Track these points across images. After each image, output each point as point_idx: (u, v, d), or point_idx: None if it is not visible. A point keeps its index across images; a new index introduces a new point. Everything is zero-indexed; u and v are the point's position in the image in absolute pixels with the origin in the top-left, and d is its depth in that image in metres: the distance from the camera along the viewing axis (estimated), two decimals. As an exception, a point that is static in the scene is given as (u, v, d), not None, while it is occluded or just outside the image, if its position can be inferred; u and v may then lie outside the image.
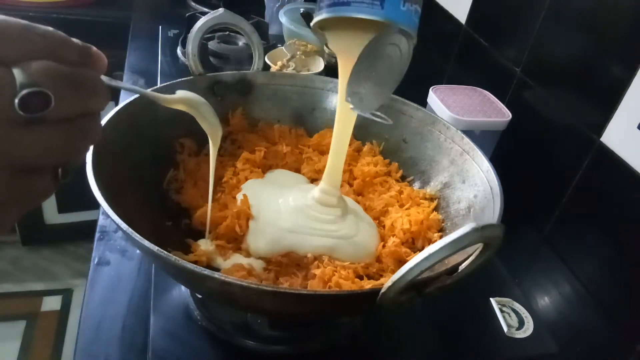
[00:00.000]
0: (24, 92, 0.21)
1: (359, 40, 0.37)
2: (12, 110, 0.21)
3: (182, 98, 0.38)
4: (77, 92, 0.23)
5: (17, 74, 0.21)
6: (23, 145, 0.22)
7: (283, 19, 1.04)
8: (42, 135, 0.22)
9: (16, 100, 0.21)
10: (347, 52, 0.40)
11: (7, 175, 0.22)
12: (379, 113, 0.43)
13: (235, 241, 0.53)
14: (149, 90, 0.35)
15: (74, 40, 0.24)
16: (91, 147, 0.41)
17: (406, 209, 0.57)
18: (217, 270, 0.49)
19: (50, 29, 0.23)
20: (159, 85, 0.59)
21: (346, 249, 0.51)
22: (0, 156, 0.21)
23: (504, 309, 0.59)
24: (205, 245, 0.51)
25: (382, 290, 0.34)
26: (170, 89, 0.58)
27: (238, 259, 0.50)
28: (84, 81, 0.24)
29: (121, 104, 0.51)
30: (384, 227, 0.57)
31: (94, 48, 0.25)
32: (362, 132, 0.66)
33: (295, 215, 0.53)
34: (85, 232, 0.98)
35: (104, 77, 0.26)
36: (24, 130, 0.22)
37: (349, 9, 0.34)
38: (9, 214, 0.23)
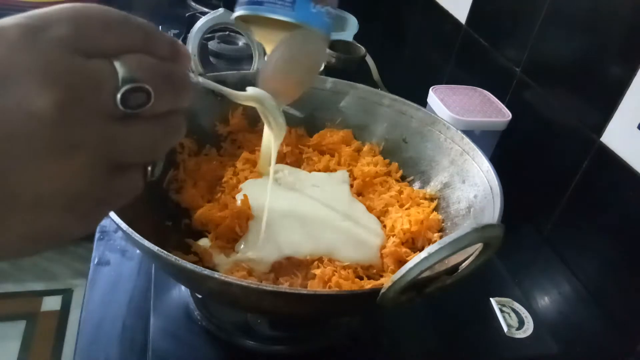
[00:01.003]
0: (127, 87, 0.21)
1: (278, 32, 0.39)
2: (113, 105, 0.21)
3: (254, 95, 0.40)
4: (172, 88, 0.23)
5: (119, 67, 0.21)
6: (121, 142, 0.21)
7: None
8: (138, 131, 0.22)
9: (118, 95, 0.20)
10: (269, 43, 0.42)
11: (105, 172, 0.21)
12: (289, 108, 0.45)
13: (235, 241, 0.53)
14: (226, 88, 0.36)
15: (165, 34, 0.24)
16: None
17: (406, 209, 0.57)
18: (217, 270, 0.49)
19: (145, 21, 0.23)
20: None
21: (348, 250, 0.51)
22: (99, 152, 0.21)
23: (504, 309, 0.59)
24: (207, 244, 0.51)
25: (382, 290, 0.34)
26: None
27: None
28: (177, 78, 0.23)
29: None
30: (384, 227, 0.57)
31: (180, 42, 0.25)
32: (362, 132, 0.66)
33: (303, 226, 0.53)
34: (85, 232, 0.98)
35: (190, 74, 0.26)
36: (121, 125, 0.21)
37: (262, 8, 0.36)
38: (101, 212, 0.23)
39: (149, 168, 0.25)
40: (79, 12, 0.20)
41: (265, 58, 0.42)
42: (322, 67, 0.42)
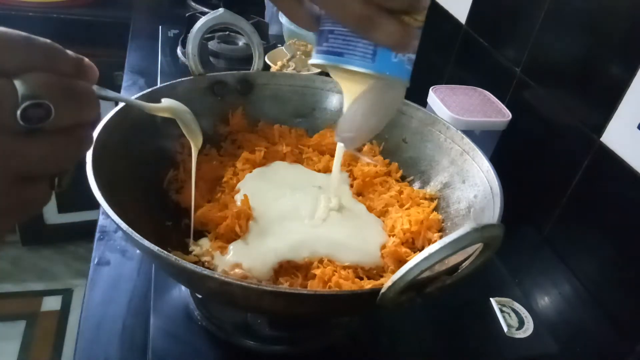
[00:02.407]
0: (26, 103, 0.22)
1: (358, 77, 0.38)
2: (13, 120, 0.22)
3: (167, 107, 0.40)
4: (74, 103, 0.24)
5: (19, 85, 0.22)
6: (23, 155, 0.22)
7: (283, 19, 1.04)
8: (41, 145, 0.23)
9: (18, 112, 0.22)
10: (345, 83, 0.42)
11: (8, 184, 0.22)
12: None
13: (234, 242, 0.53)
14: (134, 99, 0.37)
15: (69, 52, 0.25)
16: (90, 149, 0.41)
17: (406, 209, 0.57)
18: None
19: (48, 40, 0.24)
20: (159, 85, 0.59)
21: (348, 253, 0.51)
22: (1, 165, 0.22)
23: (504, 309, 0.59)
24: (205, 245, 0.51)
25: (382, 290, 0.34)
26: (173, 88, 0.58)
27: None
28: (80, 93, 0.25)
29: (121, 105, 0.51)
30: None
31: (87, 59, 0.26)
32: (362, 132, 0.66)
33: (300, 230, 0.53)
34: (85, 232, 0.98)
35: (95, 87, 0.27)
36: (24, 140, 0.22)
37: (341, 59, 0.36)
38: (6, 222, 0.24)
39: (56, 179, 0.25)
40: None
41: (345, 109, 0.42)
42: (397, 110, 0.43)
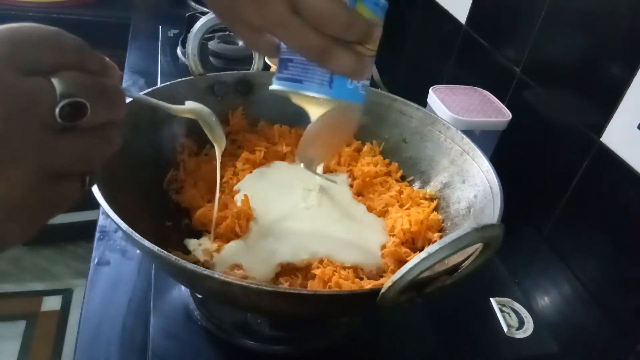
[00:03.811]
0: (65, 101, 0.22)
1: (316, 101, 0.41)
2: (52, 118, 0.22)
3: (191, 109, 0.41)
4: (107, 102, 0.25)
5: (57, 83, 0.22)
6: (59, 152, 0.23)
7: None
8: (75, 143, 0.24)
9: (57, 110, 0.22)
10: (306, 105, 0.44)
11: (44, 181, 0.23)
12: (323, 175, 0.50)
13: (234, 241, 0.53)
14: (158, 100, 0.38)
15: (95, 52, 0.26)
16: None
17: (406, 209, 0.57)
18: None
19: (78, 38, 0.25)
20: (159, 85, 0.59)
21: (349, 254, 0.51)
22: (39, 162, 0.22)
23: (504, 309, 0.59)
24: (204, 244, 0.51)
25: (382, 290, 0.34)
26: (173, 88, 0.58)
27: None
28: (112, 92, 0.25)
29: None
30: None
31: (109, 60, 0.27)
32: (362, 132, 0.66)
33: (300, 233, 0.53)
34: (85, 232, 0.98)
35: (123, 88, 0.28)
36: (60, 137, 0.23)
37: (300, 86, 0.38)
38: (39, 219, 0.24)
39: (87, 178, 0.26)
40: (16, 32, 0.22)
41: (306, 130, 0.45)
42: (354, 130, 0.46)
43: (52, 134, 0.23)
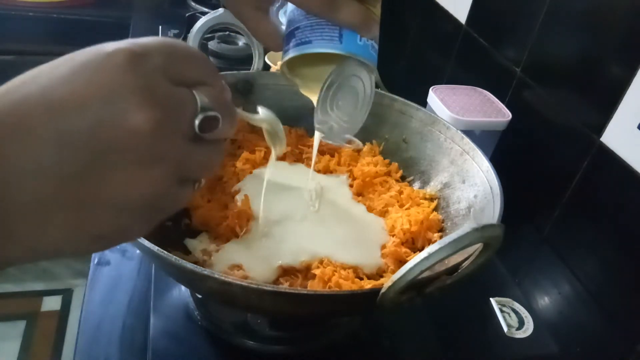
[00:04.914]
0: (204, 114, 0.25)
1: (324, 76, 0.41)
2: (191, 128, 0.24)
3: (265, 119, 0.43)
4: (232, 119, 0.27)
5: (198, 97, 0.24)
6: (192, 159, 0.25)
7: (283, 19, 1.04)
8: (203, 152, 0.26)
9: (197, 121, 0.24)
10: (315, 90, 0.44)
11: (175, 183, 0.25)
12: (350, 137, 0.48)
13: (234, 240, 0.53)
14: (245, 112, 0.39)
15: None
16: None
17: (406, 209, 0.57)
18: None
19: (208, 57, 0.27)
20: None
21: (349, 253, 0.51)
22: (175, 166, 0.24)
23: (504, 309, 0.59)
24: (202, 243, 0.51)
25: (382, 290, 0.34)
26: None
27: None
28: (233, 109, 0.28)
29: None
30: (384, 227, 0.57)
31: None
32: (362, 132, 0.66)
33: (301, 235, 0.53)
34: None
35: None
36: (193, 146, 0.25)
37: (310, 46, 0.38)
38: (157, 218, 0.26)
39: (197, 183, 0.28)
40: (170, 46, 0.24)
41: (315, 99, 0.44)
42: (371, 100, 0.45)
43: (189, 141, 0.24)
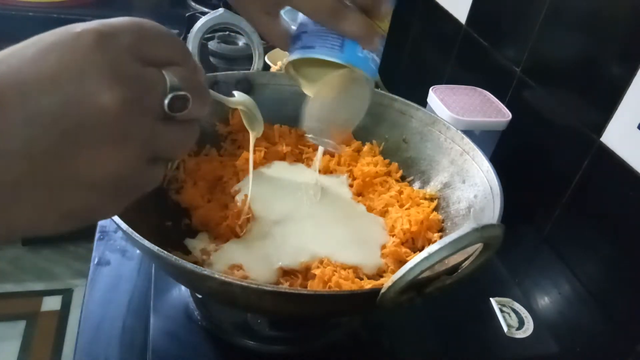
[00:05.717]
0: (174, 94, 0.25)
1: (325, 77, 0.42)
2: (160, 107, 0.25)
3: (242, 101, 0.44)
4: (202, 98, 0.27)
5: (167, 76, 0.25)
6: (162, 138, 0.25)
7: (286, 17, 1.04)
8: (174, 132, 0.26)
9: (166, 101, 0.24)
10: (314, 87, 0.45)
11: (144, 163, 0.25)
12: (334, 143, 0.50)
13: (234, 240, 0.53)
14: (220, 95, 0.40)
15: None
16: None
17: (406, 209, 0.57)
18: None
19: (179, 38, 0.27)
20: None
21: (349, 253, 0.51)
22: (145, 145, 0.24)
23: (504, 309, 0.59)
24: (202, 243, 0.51)
25: (382, 290, 0.34)
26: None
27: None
28: (205, 90, 0.28)
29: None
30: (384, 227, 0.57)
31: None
32: (362, 132, 0.66)
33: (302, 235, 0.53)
34: (85, 232, 0.98)
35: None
36: (163, 125, 0.25)
37: (312, 51, 0.39)
38: (128, 198, 0.26)
39: (169, 164, 0.27)
40: (139, 25, 0.25)
41: (313, 95, 0.45)
42: (366, 109, 0.46)
43: (157, 122, 0.25)
